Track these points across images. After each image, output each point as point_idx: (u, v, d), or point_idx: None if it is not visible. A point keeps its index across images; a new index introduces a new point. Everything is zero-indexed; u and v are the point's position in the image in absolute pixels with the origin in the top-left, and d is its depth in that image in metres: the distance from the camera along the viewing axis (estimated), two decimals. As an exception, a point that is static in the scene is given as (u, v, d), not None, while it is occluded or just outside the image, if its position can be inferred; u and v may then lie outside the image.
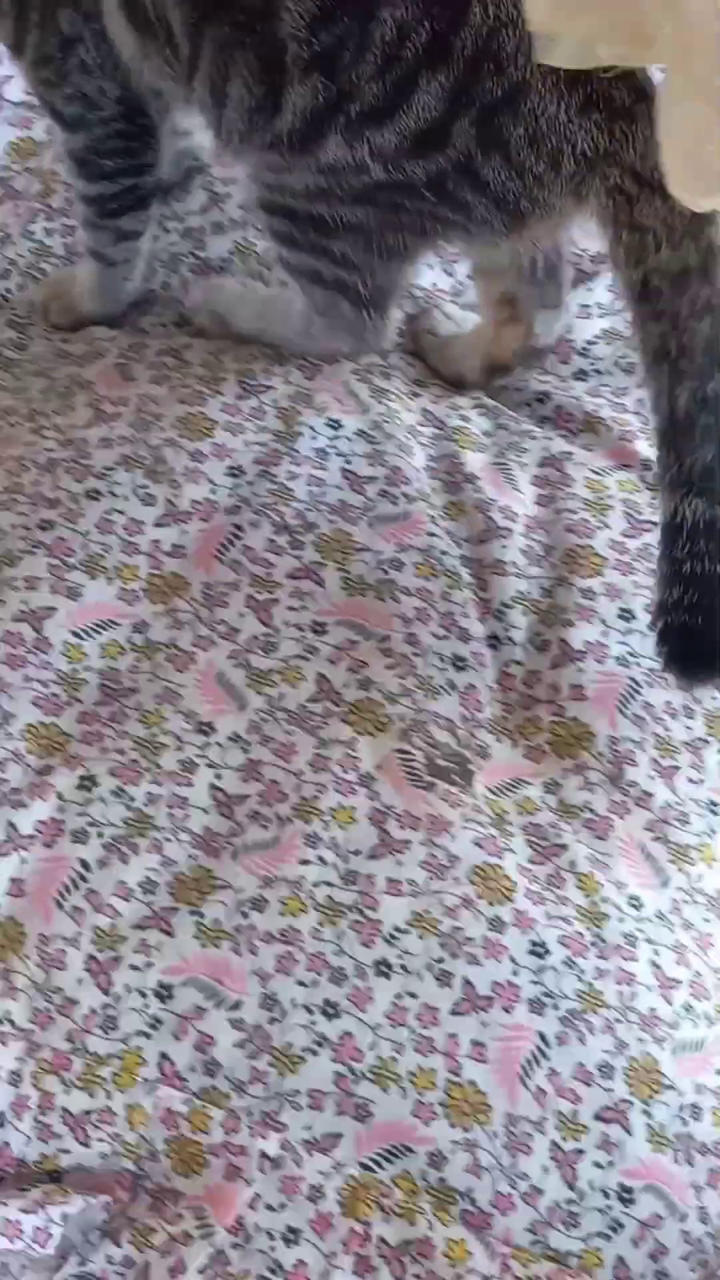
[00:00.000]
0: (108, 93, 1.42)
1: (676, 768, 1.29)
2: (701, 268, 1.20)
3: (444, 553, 1.40)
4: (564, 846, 1.23)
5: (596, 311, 1.62)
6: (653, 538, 1.40)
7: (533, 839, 1.24)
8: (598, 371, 1.60)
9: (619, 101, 1.20)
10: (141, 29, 1.33)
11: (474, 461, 1.48)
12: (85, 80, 1.40)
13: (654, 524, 1.42)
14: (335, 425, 1.48)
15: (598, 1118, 1.12)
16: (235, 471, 1.42)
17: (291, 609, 1.34)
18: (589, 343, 1.61)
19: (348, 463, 1.45)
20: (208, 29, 1.27)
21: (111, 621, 1.33)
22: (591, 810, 1.26)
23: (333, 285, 1.42)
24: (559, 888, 1.21)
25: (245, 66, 1.27)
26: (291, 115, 1.27)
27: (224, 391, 1.48)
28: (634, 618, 1.36)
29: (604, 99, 1.19)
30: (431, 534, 1.41)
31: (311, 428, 1.46)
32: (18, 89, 1.86)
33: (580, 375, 1.60)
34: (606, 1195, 1.10)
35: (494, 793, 1.27)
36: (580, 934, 1.18)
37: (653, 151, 1.13)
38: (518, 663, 1.36)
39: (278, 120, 1.28)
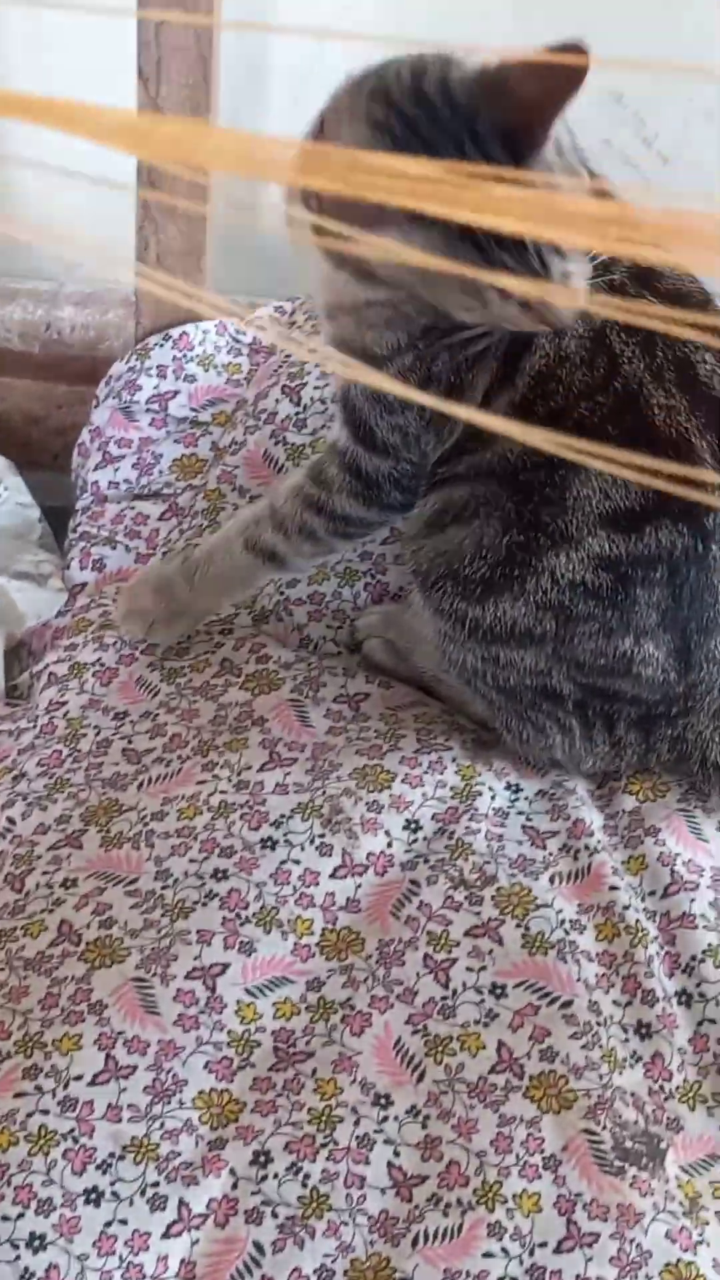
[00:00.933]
0: (423, 443, 1.43)
1: None
2: None
3: (626, 907, 1.36)
4: (763, 1242, 1.16)
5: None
6: None
7: (729, 1230, 1.17)
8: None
9: None
10: None
11: (654, 813, 1.45)
12: (415, 420, 1.42)
13: None
14: (515, 789, 1.46)
15: None
16: (412, 825, 1.40)
17: (469, 969, 1.30)
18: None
19: (528, 820, 1.42)
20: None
21: (285, 979, 1.30)
22: None
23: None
24: (759, 1288, 1.14)
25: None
26: (508, 618, 1.39)
27: (402, 747, 1.47)
28: None
29: None
30: (614, 888, 1.37)
31: (491, 789, 1.45)
32: (181, 406, 1.91)
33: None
34: None
35: (687, 1171, 1.21)
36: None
37: None
38: (712, 1021, 1.30)
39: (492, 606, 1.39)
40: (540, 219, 0.52)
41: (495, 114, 1.14)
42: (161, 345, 1.97)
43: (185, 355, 1.96)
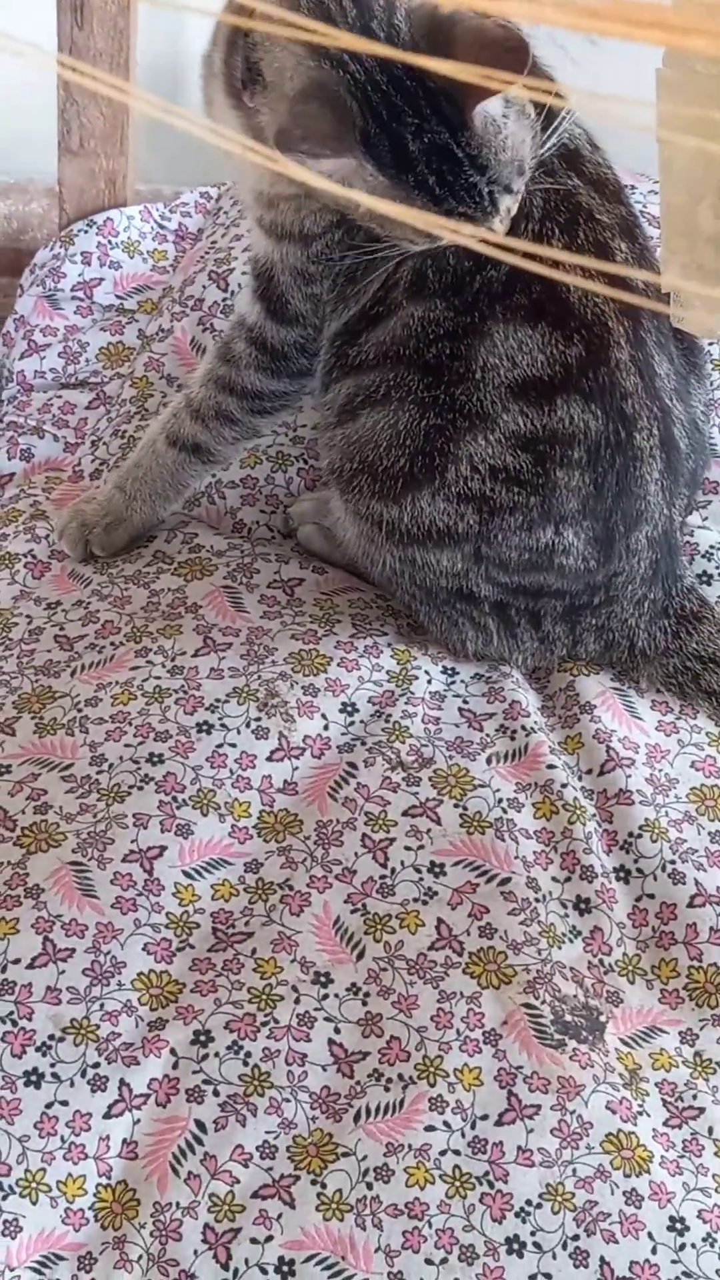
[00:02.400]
0: (328, 303, 1.43)
1: None
2: None
3: (564, 785, 1.36)
4: (701, 1109, 1.17)
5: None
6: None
7: (667, 1099, 1.18)
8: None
9: (689, 610, 1.44)
10: None
11: (589, 689, 1.45)
12: (329, 287, 1.42)
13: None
14: (451, 672, 1.46)
15: None
16: (349, 709, 1.40)
17: (408, 848, 1.30)
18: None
19: (465, 702, 1.42)
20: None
21: (223, 860, 1.29)
22: (730, 1068, 1.21)
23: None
24: (697, 1155, 1.15)
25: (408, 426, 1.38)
26: (425, 517, 1.38)
27: (338, 632, 1.46)
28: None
29: (676, 610, 1.44)
30: (551, 766, 1.37)
31: (427, 673, 1.44)
32: (107, 293, 1.88)
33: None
34: None
35: (626, 1044, 1.21)
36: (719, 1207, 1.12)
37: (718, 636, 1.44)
38: (650, 896, 1.31)
39: (410, 504, 1.39)
40: None
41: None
42: (86, 231, 1.93)
43: (110, 241, 1.93)
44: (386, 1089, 1.16)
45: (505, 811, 1.33)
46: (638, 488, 1.35)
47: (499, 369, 1.33)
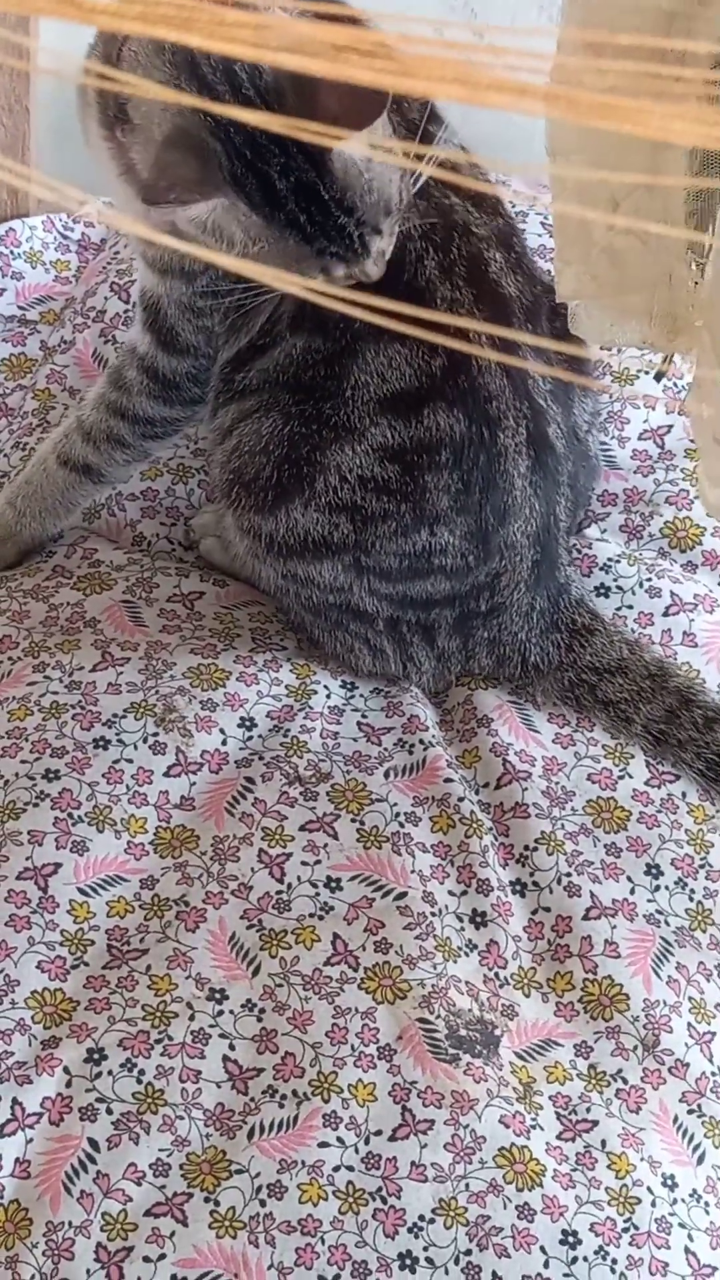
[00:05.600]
0: (221, 335, 1.44)
1: (713, 1034, 1.25)
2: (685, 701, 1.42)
3: (461, 799, 1.36)
4: (595, 1122, 1.18)
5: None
6: (677, 788, 1.38)
7: (561, 1112, 1.19)
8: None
9: (580, 623, 1.46)
10: None
11: (486, 702, 1.46)
12: (220, 320, 1.42)
13: (676, 775, 1.40)
14: (350, 686, 1.46)
15: None
16: (247, 723, 1.40)
17: (304, 864, 1.30)
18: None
19: (363, 716, 1.42)
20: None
21: (119, 877, 1.29)
22: (624, 1079, 1.21)
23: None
24: (589, 1169, 1.15)
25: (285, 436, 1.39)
26: (300, 528, 1.39)
27: (237, 645, 1.46)
28: (661, 874, 1.33)
29: (567, 624, 1.46)
30: (449, 780, 1.37)
31: (326, 687, 1.44)
32: (9, 304, 1.87)
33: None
34: None
35: (521, 1057, 1.22)
36: (612, 1220, 1.12)
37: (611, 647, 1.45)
38: (546, 909, 1.32)
39: (284, 516, 1.39)
40: (273, 45, 0.50)
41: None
42: (-13, 242, 1.91)
43: (12, 252, 1.91)
44: (281, 1105, 1.16)
45: (402, 825, 1.33)
46: (504, 482, 1.36)
47: (369, 385, 1.35)
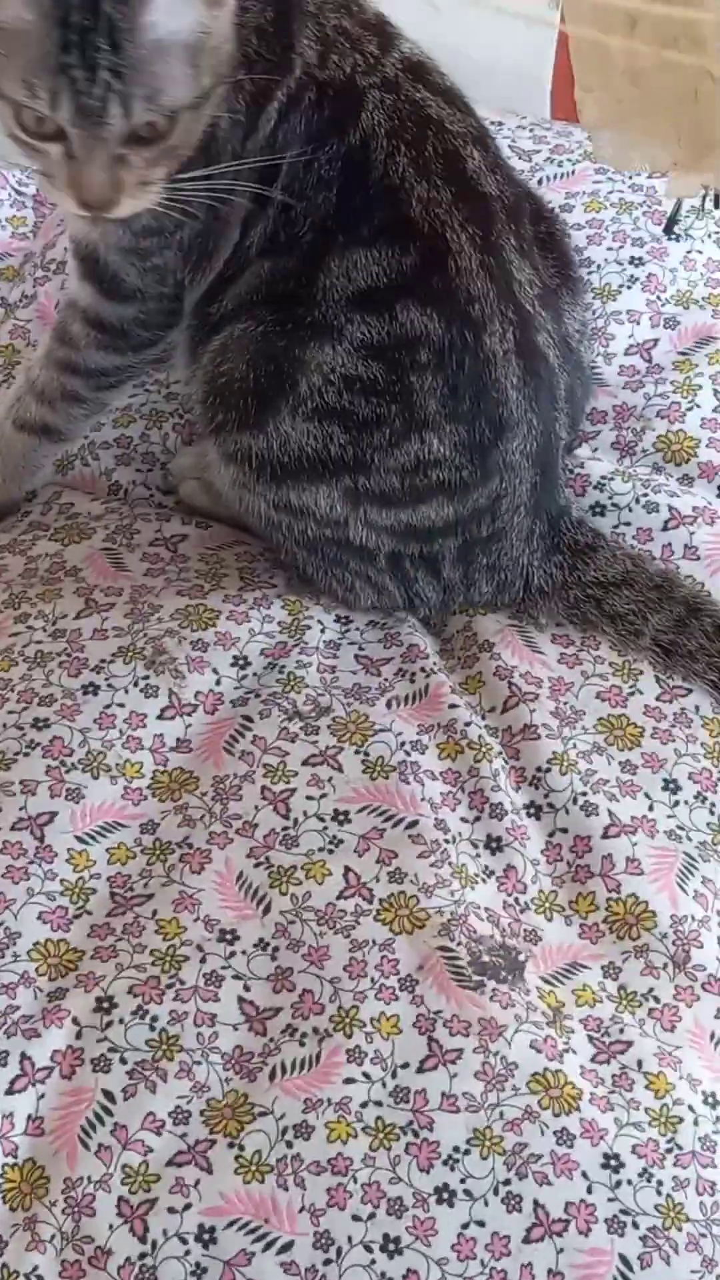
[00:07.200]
0: (177, 273, 1.38)
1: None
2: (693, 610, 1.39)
3: (468, 724, 1.32)
4: (629, 1043, 1.13)
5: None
6: (689, 701, 1.34)
7: (594, 1035, 1.14)
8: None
9: (582, 543, 1.42)
10: None
11: (487, 627, 1.41)
12: (173, 257, 1.36)
13: (688, 689, 1.35)
14: (345, 620, 1.41)
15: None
16: (241, 662, 1.35)
17: (310, 798, 1.25)
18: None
19: (361, 649, 1.38)
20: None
21: (117, 823, 1.24)
22: (655, 998, 1.17)
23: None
24: (627, 1090, 1.10)
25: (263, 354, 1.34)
26: (292, 444, 1.33)
27: (225, 585, 1.41)
28: (679, 789, 1.28)
29: (569, 545, 1.41)
30: (453, 706, 1.33)
31: (320, 622, 1.40)
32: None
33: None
34: None
35: (548, 981, 1.17)
36: (654, 1141, 1.08)
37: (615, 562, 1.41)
38: (563, 830, 1.27)
39: (274, 430, 1.33)
40: None
41: None
42: (-59, 200, 1.86)
43: (-33, 210, 1.86)
44: (301, 1044, 1.11)
45: (408, 754, 1.28)
46: (496, 392, 1.32)
47: (336, 286, 1.30)
